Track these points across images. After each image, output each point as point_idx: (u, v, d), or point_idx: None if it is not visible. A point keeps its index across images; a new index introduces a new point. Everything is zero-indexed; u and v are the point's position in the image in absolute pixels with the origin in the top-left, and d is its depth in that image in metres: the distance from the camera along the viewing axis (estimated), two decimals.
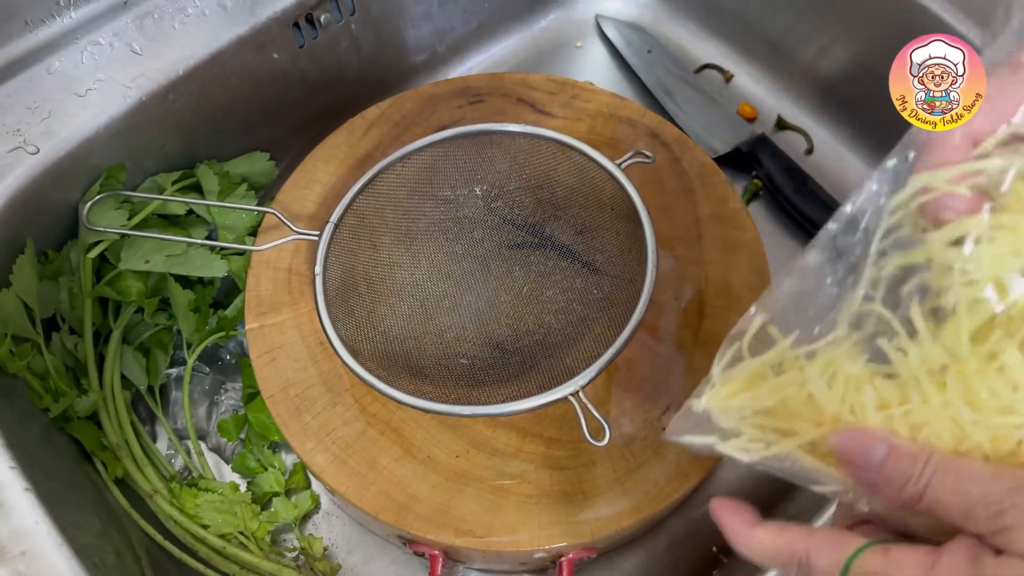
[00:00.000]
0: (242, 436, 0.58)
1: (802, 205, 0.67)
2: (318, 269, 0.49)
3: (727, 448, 0.32)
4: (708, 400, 0.32)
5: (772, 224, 0.68)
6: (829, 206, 0.67)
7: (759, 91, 0.74)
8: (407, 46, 0.70)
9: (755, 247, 0.54)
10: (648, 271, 0.46)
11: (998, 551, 0.27)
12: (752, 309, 0.32)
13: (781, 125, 0.72)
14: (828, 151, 0.71)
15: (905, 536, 0.31)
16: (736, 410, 0.32)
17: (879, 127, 0.69)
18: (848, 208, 0.33)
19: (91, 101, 0.54)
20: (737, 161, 0.69)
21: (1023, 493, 0.26)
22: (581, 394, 0.43)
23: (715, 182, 0.56)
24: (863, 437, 0.29)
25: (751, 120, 0.72)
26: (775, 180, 0.68)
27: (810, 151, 0.71)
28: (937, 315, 0.29)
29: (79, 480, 0.52)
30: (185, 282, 0.57)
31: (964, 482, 0.27)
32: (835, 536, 0.30)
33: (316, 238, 0.50)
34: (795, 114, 0.72)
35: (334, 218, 0.51)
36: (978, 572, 0.27)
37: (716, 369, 0.33)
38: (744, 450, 0.32)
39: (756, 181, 0.69)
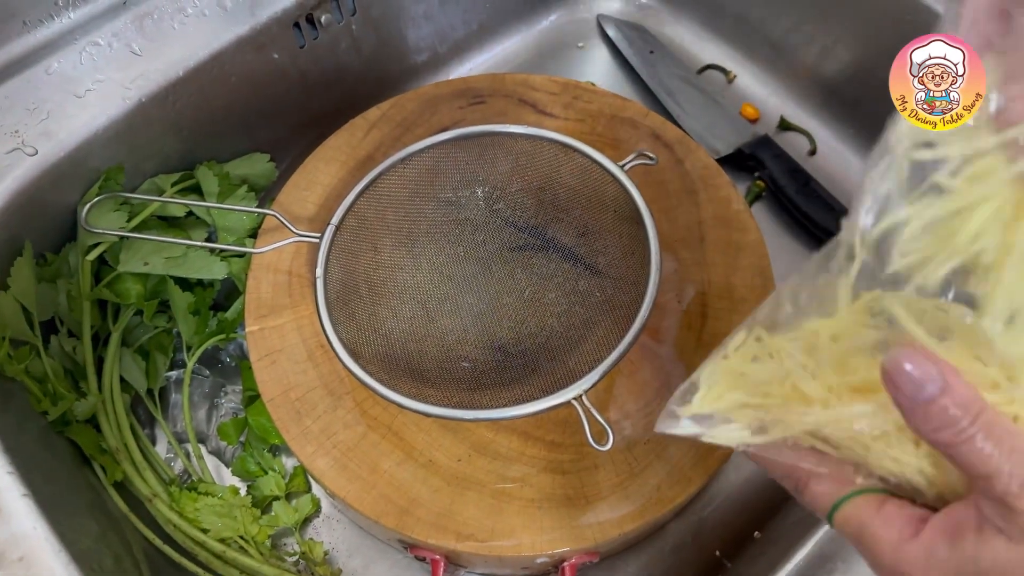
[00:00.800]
0: (242, 439, 0.58)
1: (805, 206, 0.67)
2: (319, 272, 0.49)
3: (719, 437, 0.32)
4: (699, 405, 0.32)
5: (775, 225, 0.68)
6: (832, 207, 0.67)
7: (761, 91, 0.74)
8: (408, 46, 0.70)
9: (758, 249, 0.54)
10: (651, 274, 0.46)
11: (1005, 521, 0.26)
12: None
13: (784, 126, 0.71)
14: (831, 152, 0.71)
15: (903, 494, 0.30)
16: (725, 408, 0.32)
17: (882, 128, 0.69)
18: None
19: (90, 102, 0.54)
20: (740, 162, 0.69)
21: None
22: (584, 398, 0.43)
23: (718, 184, 0.56)
24: (921, 363, 0.26)
25: (753, 121, 0.72)
26: (778, 181, 0.68)
27: (813, 152, 0.71)
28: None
29: (78, 484, 0.51)
30: (185, 284, 0.57)
31: (1004, 454, 0.26)
32: (840, 470, 0.30)
33: (317, 240, 0.50)
34: (797, 115, 0.72)
35: (335, 220, 0.50)
36: (956, 551, 0.26)
37: (699, 374, 0.33)
38: (733, 438, 0.32)
39: (759, 182, 0.68)
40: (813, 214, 0.67)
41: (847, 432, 0.30)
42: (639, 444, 0.48)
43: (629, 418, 0.49)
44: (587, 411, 0.42)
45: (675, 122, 0.69)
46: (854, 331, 0.30)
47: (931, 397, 0.26)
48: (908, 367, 0.26)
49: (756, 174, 0.69)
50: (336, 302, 0.49)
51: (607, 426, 0.42)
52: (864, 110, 0.69)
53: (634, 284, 0.48)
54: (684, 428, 0.33)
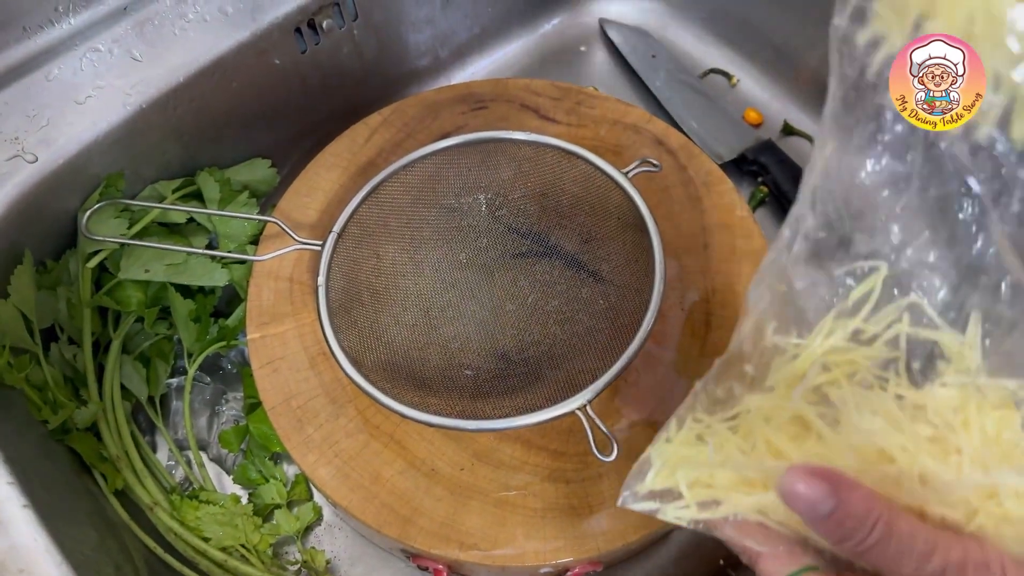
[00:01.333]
0: (243, 447, 0.58)
1: None
2: (321, 280, 0.48)
3: (669, 515, 0.33)
4: (651, 483, 0.33)
5: (777, 230, 0.68)
6: None
7: (764, 96, 0.73)
8: (409, 51, 0.70)
9: (762, 256, 0.53)
10: (656, 282, 0.46)
11: None
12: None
13: (787, 131, 0.71)
14: None
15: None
16: (675, 486, 0.33)
17: None
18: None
19: (90, 108, 0.53)
20: (743, 167, 0.69)
21: (949, 551, 0.26)
22: (589, 408, 0.42)
23: (721, 190, 0.56)
24: (813, 484, 0.27)
25: (757, 126, 0.72)
26: (781, 187, 0.67)
27: None
28: None
29: (78, 492, 0.51)
30: (186, 291, 0.56)
31: (907, 555, 0.27)
32: (790, 549, 0.30)
33: (319, 248, 0.50)
34: (801, 119, 0.72)
35: (337, 227, 0.50)
36: None
37: (651, 450, 0.34)
38: (681, 516, 0.32)
39: (762, 187, 0.68)
40: None
41: (787, 512, 0.29)
42: (643, 453, 0.48)
43: (633, 427, 0.48)
44: (591, 422, 0.42)
45: (678, 127, 0.69)
46: (786, 411, 0.30)
47: (825, 514, 0.27)
48: (800, 488, 0.27)
49: (759, 179, 0.68)
50: (338, 310, 0.48)
51: (612, 436, 0.42)
52: None
53: (638, 291, 0.47)
54: (641, 505, 0.33)
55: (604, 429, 0.42)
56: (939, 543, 0.27)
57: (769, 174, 0.67)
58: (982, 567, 0.27)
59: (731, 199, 0.55)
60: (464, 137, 0.52)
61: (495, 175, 0.53)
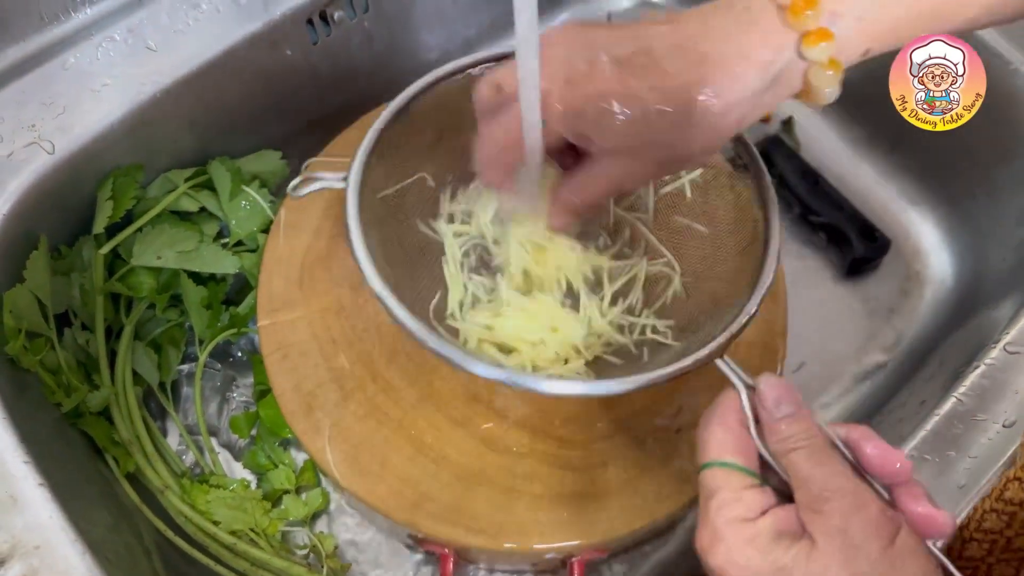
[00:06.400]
0: (253, 433, 0.58)
1: (815, 205, 0.67)
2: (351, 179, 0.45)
3: None
4: None
5: (784, 224, 0.68)
6: (841, 207, 0.67)
7: None
8: (419, 44, 0.70)
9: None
10: (773, 226, 0.44)
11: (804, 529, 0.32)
12: None
13: (788, 128, 0.71)
14: (840, 151, 0.71)
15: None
16: None
17: (891, 128, 0.69)
18: None
19: (105, 97, 0.54)
20: None
21: (845, 494, 0.31)
22: (727, 358, 0.40)
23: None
24: (785, 391, 0.35)
25: (764, 121, 0.72)
26: (788, 180, 0.68)
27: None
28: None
29: (90, 475, 0.52)
30: (197, 278, 0.57)
31: (817, 466, 0.32)
32: (734, 440, 0.35)
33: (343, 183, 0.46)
34: (807, 114, 0.72)
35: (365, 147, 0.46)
36: (774, 548, 0.31)
37: None
38: None
39: None
40: (823, 213, 0.67)
41: None
42: (649, 441, 0.48)
43: (638, 416, 0.49)
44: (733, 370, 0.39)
45: None
46: None
47: (786, 415, 0.34)
48: (773, 391, 0.35)
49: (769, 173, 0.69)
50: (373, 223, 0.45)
51: (749, 380, 0.38)
52: (873, 110, 0.69)
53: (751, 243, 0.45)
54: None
55: (739, 371, 0.39)
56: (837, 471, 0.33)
57: (775, 168, 0.68)
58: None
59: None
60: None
61: None
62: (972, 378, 0.47)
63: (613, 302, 0.48)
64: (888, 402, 0.60)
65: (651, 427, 0.49)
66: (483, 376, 0.40)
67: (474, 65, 0.49)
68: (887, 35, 0.35)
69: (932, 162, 0.68)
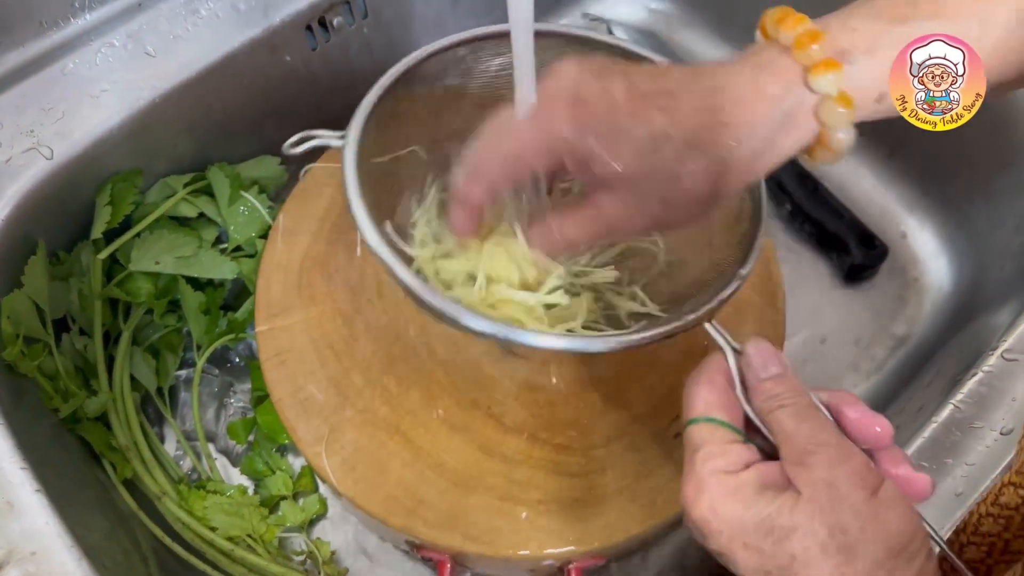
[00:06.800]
0: (250, 439, 0.58)
1: (813, 211, 0.67)
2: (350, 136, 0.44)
3: None
4: None
5: (783, 230, 0.68)
6: (840, 213, 0.67)
7: None
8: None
9: (766, 254, 0.54)
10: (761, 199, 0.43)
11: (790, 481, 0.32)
12: None
13: None
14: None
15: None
16: None
17: (890, 135, 0.69)
18: None
19: (104, 102, 0.54)
20: None
21: (829, 447, 0.32)
22: (715, 323, 0.40)
23: None
24: (771, 354, 0.36)
25: None
26: (786, 186, 0.68)
27: None
28: None
29: (88, 481, 0.52)
30: (196, 284, 0.57)
31: (802, 422, 0.33)
32: (720, 398, 0.35)
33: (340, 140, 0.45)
34: None
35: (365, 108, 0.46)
36: (758, 501, 0.31)
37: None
38: None
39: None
40: (821, 219, 0.67)
41: None
42: (647, 447, 0.48)
43: (636, 422, 0.49)
44: (721, 334, 0.39)
45: None
46: None
47: (774, 374, 0.35)
48: (762, 353, 0.36)
49: (765, 179, 0.69)
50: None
51: (735, 344, 0.39)
52: None
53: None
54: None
55: (727, 335, 0.39)
56: (822, 429, 0.33)
57: (773, 173, 0.68)
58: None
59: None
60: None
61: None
62: (970, 385, 0.47)
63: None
64: (886, 408, 0.60)
65: (649, 434, 0.49)
66: (472, 327, 0.38)
67: (473, 40, 0.49)
68: None
69: (930, 169, 0.68)
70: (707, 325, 0.39)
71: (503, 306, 0.43)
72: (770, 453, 0.34)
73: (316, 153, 0.58)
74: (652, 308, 0.46)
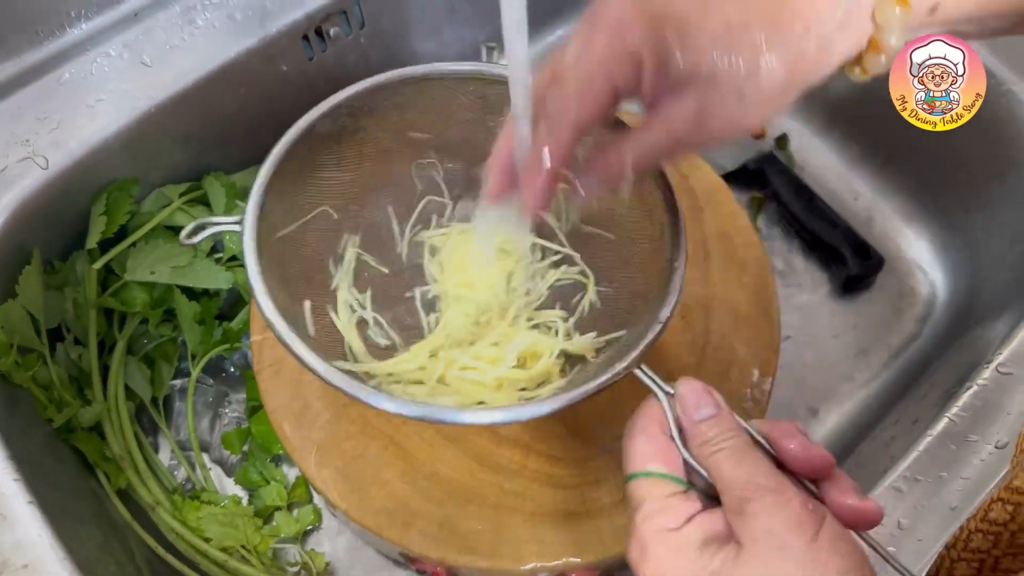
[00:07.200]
0: (245, 449, 0.58)
1: (808, 222, 0.67)
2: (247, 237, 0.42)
3: None
4: None
5: (778, 241, 0.68)
6: (836, 224, 0.67)
7: None
8: (416, 60, 0.70)
9: (761, 266, 0.54)
10: (680, 254, 0.42)
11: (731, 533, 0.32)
12: None
13: (781, 144, 0.72)
14: (835, 169, 0.71)
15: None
16: None
17: (885, 146, 0.69)
18: None
19: (100, 112, 0.54)
20: (745, 178, 0.69)
21: (767, 493, 0.31)
22: (644, 367, 0.39)
23: (722, 200, 0.56)
24: (703, 394, 0.35)
25: (759, 137, 0.72)
26: (782, 197, 0.68)
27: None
28: None
29: (81, 491, 0.52)
30: (190, 294, 0.57)
31: (738, 466, 0.33)
32: (656, 447, 0.35)
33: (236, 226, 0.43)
34: (801, 132, 0.72)
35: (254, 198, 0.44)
36: (698, 555, 0.31)
37: None
38: None
39: (756, 195, 0.69)
40: (817, 230, 0.67)
41: None
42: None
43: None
44: (650, 377, 0.38)
45: None
46: None
47: (706, 417, 0.35)
48: (693, 395, 0.35)
49: (760, 189, 0.69)
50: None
51: (667, 388, 0.38)
52: (868, 127, 0.69)
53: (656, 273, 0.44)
54: None
55: (660, 383, 0.38)
56: (759, 471, 0.33)
57: (770, 185, 0.68)
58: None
59: (732, 209, 0.56)
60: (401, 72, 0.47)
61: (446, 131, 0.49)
62: (965, 398, 0.47)
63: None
64: (881, 420, 0.60)
65: None
66: (394, 412, 0.39)
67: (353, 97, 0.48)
68: None
69: (926, 180, 0.68)
70: (636, 371, 0.38)
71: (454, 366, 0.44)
72: (714, 495, 0.34)
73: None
74: (585, 346, 0.46)
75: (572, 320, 0.48)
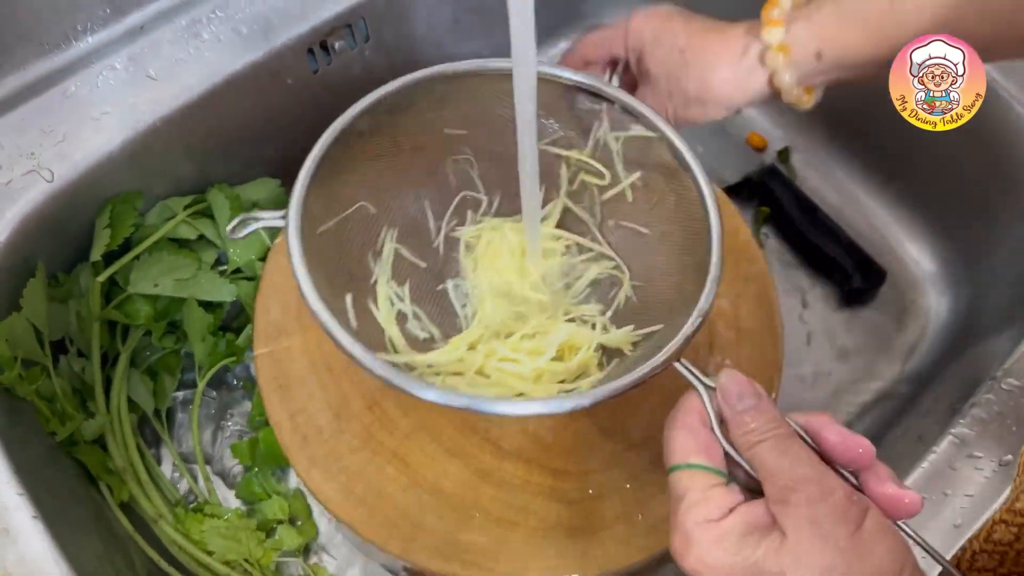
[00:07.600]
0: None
1: (811, 235, 0.67)
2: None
3: None
4: None
5: (781, 254, 0.68)
6: (838, 237, 0.68)
7: (766, 121, 0.74)
8: None
9: (763, 279, 0.54)
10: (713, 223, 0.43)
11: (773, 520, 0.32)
12: None
13: (783, 158, 0.72)
14: (837, 182, 0.71)
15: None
16: None
17: (888, 159, 0.69)
18: None
19: (105, 125, 0.54)
20: (747, 190, 0.69)
21: (810, 483, 0.32)
22: (683, 360, 0.39)
23: (724, 213, 0.56)
24: (745, 384, 0.36)
25: (760, 150, 0.72)
26: (784, 210, 0.68)
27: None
28: None
29: (84, 503, 0.52)
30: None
31: (782, 456, 0.33)
32: (697, 440, 0.35)
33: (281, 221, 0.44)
34: (804, 145, 0.73)
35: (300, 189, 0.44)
36: (741, 544, 0.32)
37: None
38: None
39: (763, 208, 0.69)
40: (820, 243, 0.67)
41: None
42: (644, 474, 0.48)
43: (634, 448, 0.49)
44: (689, 370, 0.39)
45: None
46: None
47: (749, 406, 0.35)
48: (735, 385, 0.36)
49: (762, 202, 0.69)
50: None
51: (705, 379, 0.38)
52: (870, 141, 0.70)
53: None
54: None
55: (697, 372, 0.39)
56: (804, 462, 0.33)
57: (773, 198, 0.68)
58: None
59: (734, 223, 0.56)
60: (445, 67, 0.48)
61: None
62: (969, 414, 0.47)
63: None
64: (885, 435, 0.60)
65: (646, 461, 0.49)
66: (440, 403, 0.39)
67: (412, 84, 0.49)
68: (833, 39, 0.43)
69: (929, 194, 0.68)
70: (676, 364, 0.38)
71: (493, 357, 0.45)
72: (754, 487, 0.34)
73: None
74: (622, 339, 0.46)
75: (608, 314, 0.48)
